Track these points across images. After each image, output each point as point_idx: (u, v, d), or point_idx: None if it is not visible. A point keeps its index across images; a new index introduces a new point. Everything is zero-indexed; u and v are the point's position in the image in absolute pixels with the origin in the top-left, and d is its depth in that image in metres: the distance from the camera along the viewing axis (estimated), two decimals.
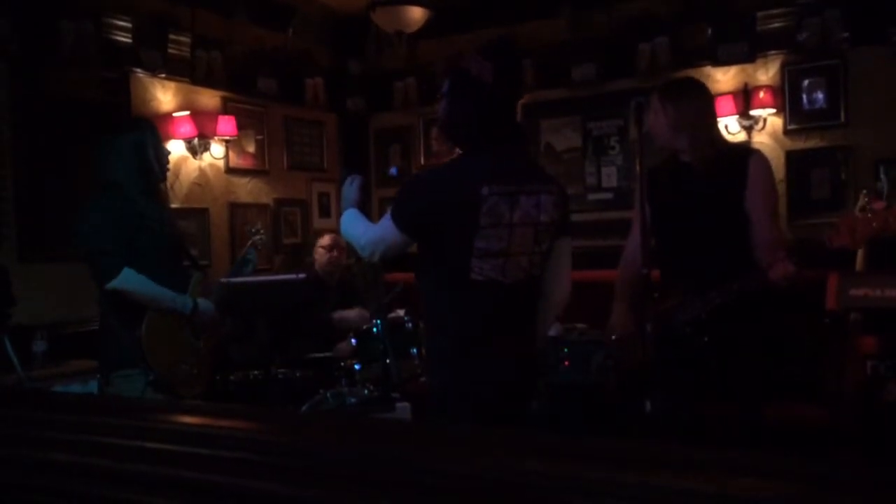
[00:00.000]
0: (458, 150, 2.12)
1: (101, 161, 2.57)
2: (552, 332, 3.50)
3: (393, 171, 6.02)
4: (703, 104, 2.46)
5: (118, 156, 2.54)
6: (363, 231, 2.13)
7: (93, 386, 3.08)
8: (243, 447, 0.84)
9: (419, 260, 2.06)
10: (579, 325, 4.02)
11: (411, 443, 0.83)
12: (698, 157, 2.39)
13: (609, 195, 5.44)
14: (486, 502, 0.67)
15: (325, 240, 4.54)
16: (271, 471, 0.80)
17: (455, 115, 2.08)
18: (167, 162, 2.72)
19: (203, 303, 2.67)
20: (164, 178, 2.79)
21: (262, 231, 3.66)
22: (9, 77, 4.00)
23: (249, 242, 3.38)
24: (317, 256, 4.54)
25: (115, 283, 2.44)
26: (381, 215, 2.10)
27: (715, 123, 2.55)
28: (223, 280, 2.98)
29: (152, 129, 2.68)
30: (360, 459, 0.77)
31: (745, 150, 2.62)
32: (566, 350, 3.82)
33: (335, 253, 4.49)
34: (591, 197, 5.47)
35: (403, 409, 3.00)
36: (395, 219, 1.99)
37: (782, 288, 2.15)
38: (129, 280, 2.44)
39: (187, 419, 1.00)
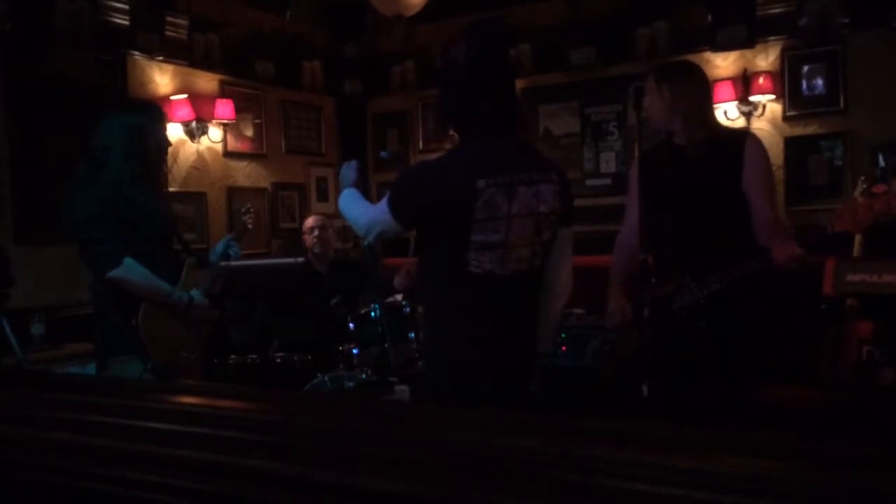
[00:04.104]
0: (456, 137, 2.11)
1: (98, 137, 2.48)
2: None
3: (384, 154, 5.96)
4: (699, 87, 2.44)
5: (113, 136, 2.46)
6: (361, 211, 2.13)
7: (91, 369, 3.07)
8: (243, 426, 0.84)
9: (418, 247, 2.05)
10: (577, 311, 4.02)
11: (412, 421, 0.83)
12: (691, 140, 2.37)
13: (607, 181, 5.44)
14: (484, 478, 0.67)
15: (310, 221, 4.37)
16: (272, 450, 0.80)
17: (443, 101, 2.08)
18: (166, 150, 2.65)
19: (197, 296, 2.62)
20: (160, 167, 2.69)
21: (251, 210, 3.22)
22: (4, 57, 3.98)
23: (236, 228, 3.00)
24: (306, 243, 4.34)
25: (116, 273, 2.40)
26: (379, 199, 2.10)
27: (710, 107, 2.53)
28: (222, 264, 2.94)
29: (158, 114, 2.62)
30: (360, 437, 0.78)
31: (740, 134, 2.62)
32: (563, 335, 3.83)
33: (323, 232, 4.31)
34: (590, 182, 5.47)
35: (402, 392, 3.01)
36: (391, 207, 1.98)
37: (788, 271, 2.14)
38: (130, 270, 2.41)
39: (186, 399, 1.01)
